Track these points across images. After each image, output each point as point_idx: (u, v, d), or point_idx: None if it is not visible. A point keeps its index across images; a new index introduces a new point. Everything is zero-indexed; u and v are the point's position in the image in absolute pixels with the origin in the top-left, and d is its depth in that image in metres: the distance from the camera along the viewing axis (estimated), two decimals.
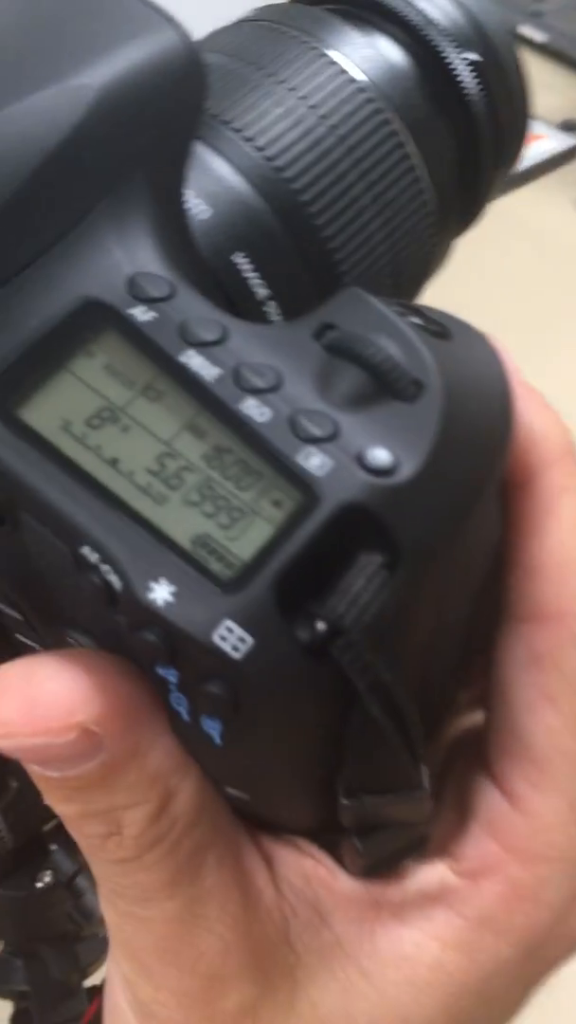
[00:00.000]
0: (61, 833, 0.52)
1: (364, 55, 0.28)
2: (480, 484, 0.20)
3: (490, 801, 0.22)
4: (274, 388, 0.19)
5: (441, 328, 0.21)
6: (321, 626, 0.18)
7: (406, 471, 0.18)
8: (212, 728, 0.18)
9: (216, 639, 0.17)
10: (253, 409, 0.19)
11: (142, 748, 0.19)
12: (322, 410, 0.19)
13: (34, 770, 0.20)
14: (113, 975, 0.23)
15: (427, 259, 0.29)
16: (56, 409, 0.19)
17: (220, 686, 0.18)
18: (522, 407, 0.22)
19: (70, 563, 0.19)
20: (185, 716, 0.19)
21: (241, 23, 0.29)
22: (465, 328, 0.21)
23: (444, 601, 0.20)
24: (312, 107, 0.26)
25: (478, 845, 0.22)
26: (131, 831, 0.20)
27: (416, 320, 0.20)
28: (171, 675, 0.18)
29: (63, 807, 0.20)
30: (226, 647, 0.17)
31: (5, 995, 0.57)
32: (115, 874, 0.21)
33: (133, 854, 0.20)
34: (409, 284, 0.29)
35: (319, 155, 0.26)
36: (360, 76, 0.27)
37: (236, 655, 0.17)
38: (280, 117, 0.26)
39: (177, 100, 0.21)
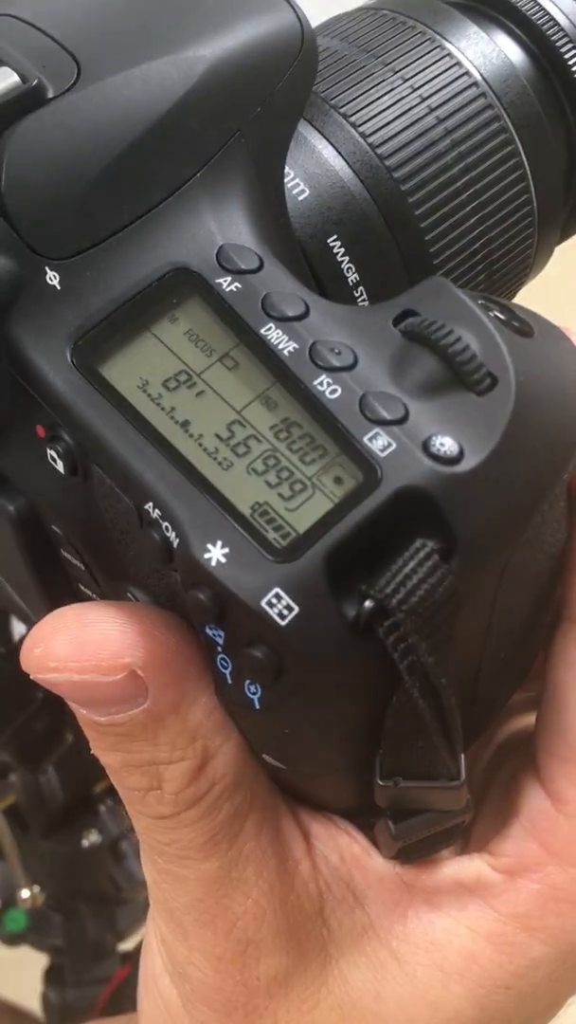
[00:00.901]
0: (110, 796, 0.53)
1: (482, 51, 0.28)
2: (547, 483, 0.20)
3: (534, 801, 0.22)
4: (348, 368, 0.19)
5: (524, 325, 0.21)
6: (368, 604, 0.18)
7: (470, 462, 0.18)
8: (253, 693, 0.19)
9: (264, 604, 0.17)
10: (325, 386, 0.19)
11: (185, 703, 0.20)
12: (393, 393, 0.19)
13: (82, 715, 0.20)
14: (150, 938, 0.24)
15: (523, 262, 0.29)
16: (136, 369, 0.20)
17: (264, 651, 0.18)
18: None
19: (133, 518, 0.19)
20: (229, 678, 0.19)
21: (362, 10, 0.29)
22: (549, 328, 0.21)
23: (501, 596, 0.20)
24: (424, 99, 0.26)
25: (518, 844, 0.22)
26: (171, 787, 0.20)
27: (499, 315, 0.20)
28: (218, 636, 0.19)
29: (108, 756, 0.21)
30: (272, 613, 0.17)
31: (43, 948, 0.58)
32: (155, 830, 0.21)
33: (172, 810, 0.21)
34: (503, 285, 0.29)
35: (424, 147, 0.26)
36: (475, 72, 0.27)
37: (281, 622, 0.17)
38: (390, 107, 0.26)
39: (287, 81, 0.22)
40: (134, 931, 0.58)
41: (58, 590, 0.24)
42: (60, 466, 0.20)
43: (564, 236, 0.31)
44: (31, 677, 0.20)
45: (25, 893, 0.53)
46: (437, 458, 0.18)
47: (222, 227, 0.21)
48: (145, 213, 0.20)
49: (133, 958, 0.55)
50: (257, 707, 0.19)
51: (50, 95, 0.20)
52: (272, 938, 0.21)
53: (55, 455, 0.20)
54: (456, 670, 0.20)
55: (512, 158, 0.27)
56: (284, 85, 0.22)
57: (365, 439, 0.18)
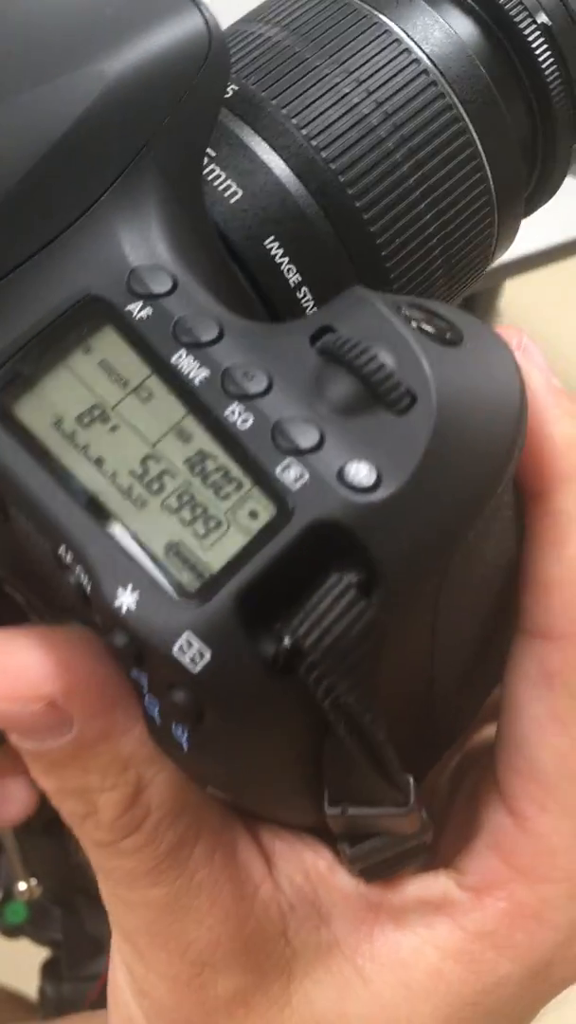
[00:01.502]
0: None
1: (428, 28, 0.26)
2: (478, 500, 0.19)
3: (497, 818, 0.22)
4: (261, 394, 0.18)
5: (452, 333, 0.20)
6: (286, 643, 0.17)
7: (388, 488, 0.18)
8: (180, 734, 0.18)
9: (176, 652, 0.17)
10: (237, 415, 0.18)
11: (115, 733, 0.19)
12: (307, 419, 0.18)
13: (14, 740, 0.20)
14: (115, 952, 0.24)
15: (484, 242, 0.27)
16: (50, 405, 0.19)
17: (181, 696, 0.17)
18: (546, 415, 0.21)
19: (52, 560, 0.19)
20: (157, 719, 0.19)
21: None
22: (481, 332, 0.20)
23: (442, 616, 0.19)
24: (360, 83, 0.25)
25: (483, 862, 0.22)
26: (106, 815, 0.20)
27: (425, 324, 0.19)
28: (142, 678, 0.18)
29: (43, 781, 0.21)
30: (185, 659, 0.17)
31: (42, 941, 0.59)
32: (98, 856, 0.21)
33: (110, 838, 0.20)
34: (464, 272, 0.27)
35: (363, 133, 0.24)
36: (423, 55, 0.26)
37: (193, 669, 0.17)
38: (323, 95, 0.25)
39: (194, 88, 0.21)
40: None
41: (10, 621, 0.24)
42: None
43: (531, 208, 0.30)
44: None
45: (22, 885, 0.53)
46: (352, 487, 0.18)
47: (134, 248, 0.20)
48: (51, 241, 0.20)
49: None
50: (185, 748, 0.19)
51: None
52: (228, 960, 0.21)
53: None
54: (400, 695, 0.19)
55: (460, 136, 0.26)
56: (191, 93, 0.21)
57: (277, 470, 0.18)
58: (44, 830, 0.52)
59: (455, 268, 0.27)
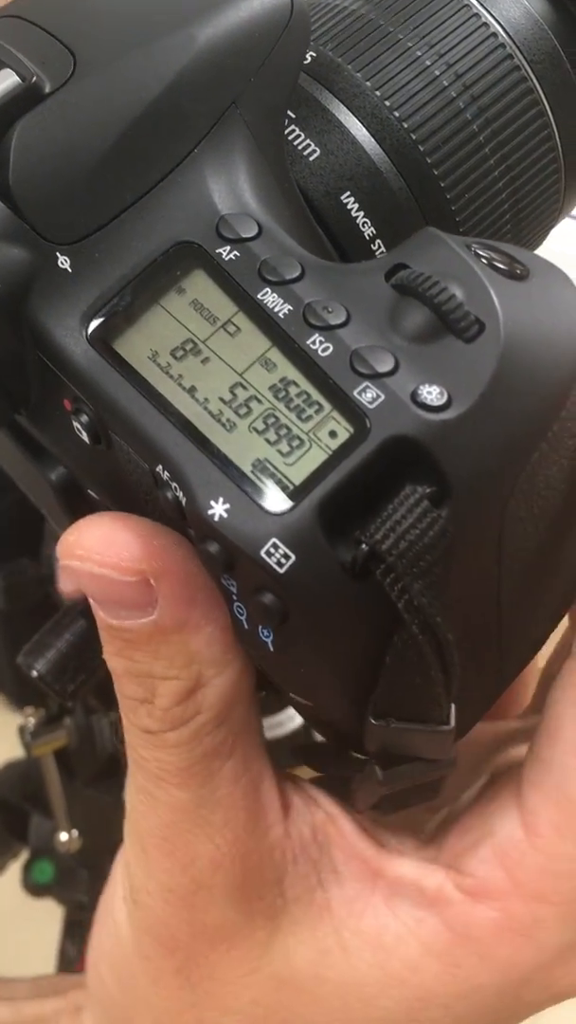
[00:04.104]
0: None
1: (507, 4, 0.27)
2: (540, 424, 0.20)
3: (509, 829, 0.23)
4: (340, 325, 0.20)
5: (520, 267, 0.21)
6: (364, 548, 0.19)
7: (458, 408, 0.19)
8: (266, 636, 0.20)
9: (263, 554, 0.19)
10: (318, 344, 0.20)
11: (189, 627, 0.21)
12: (383, 346, 0.20)
13: (100, 616, 0.22)
14: (116, 868, 0.25)
15: (552, 200, 0.29)
16: (146, 340, 0.21)
17: (269, 598, 0.19)
18: None
19: (150, 479, 0.21)
20: (245, 624, 0.21)
21: None
22: (548, 269, 0.21)
23: (508, 532, 0.21)
24: (439, 54, 0.26)
25: (486, 868, 0.22)
26: (161, 702, 0.22)
27: (495, 259, 0.21)
28: (232, 585, 0.20)
29: (113, 660, 0.22)
30: (271, 562, 0.19)
31: (66, 902, 0.58)
32: (141, 744, 0.22)
33: (159, 727, 0.22)
34: (532, 226, 0.29)
35: (435, 93, 0.26)
36: (491, 19, 0.27)
37: (280, 570, 0.19)
38: (404, 63, 0.26)
39: (277, 50, 0.22)
40: None
41: None
42: (85, 436, 0.22)
43: None
44: (61, 563, 0.21)
45: (63, 836, 0.52)
46: (425, 406, 0.19)
47: (222, 197, 0.22)
48: (147, 192, 0.22)
49: None
50: (271, 649, 0.20)
51: (48, 90, 0.21)
52: (224, 889, 0.22)
53: (80, 426, 0.22)
54: (466, 604, 0.21)
55: (528, 95, 0.27)
56: (275, 55, 0.22)
57: (355, 392, 0.19)
58: (88, 782, 0.52)
59: (523, 222, 0.28)
